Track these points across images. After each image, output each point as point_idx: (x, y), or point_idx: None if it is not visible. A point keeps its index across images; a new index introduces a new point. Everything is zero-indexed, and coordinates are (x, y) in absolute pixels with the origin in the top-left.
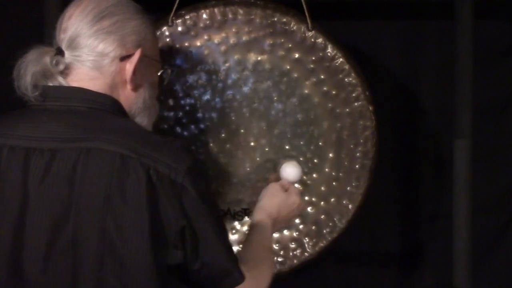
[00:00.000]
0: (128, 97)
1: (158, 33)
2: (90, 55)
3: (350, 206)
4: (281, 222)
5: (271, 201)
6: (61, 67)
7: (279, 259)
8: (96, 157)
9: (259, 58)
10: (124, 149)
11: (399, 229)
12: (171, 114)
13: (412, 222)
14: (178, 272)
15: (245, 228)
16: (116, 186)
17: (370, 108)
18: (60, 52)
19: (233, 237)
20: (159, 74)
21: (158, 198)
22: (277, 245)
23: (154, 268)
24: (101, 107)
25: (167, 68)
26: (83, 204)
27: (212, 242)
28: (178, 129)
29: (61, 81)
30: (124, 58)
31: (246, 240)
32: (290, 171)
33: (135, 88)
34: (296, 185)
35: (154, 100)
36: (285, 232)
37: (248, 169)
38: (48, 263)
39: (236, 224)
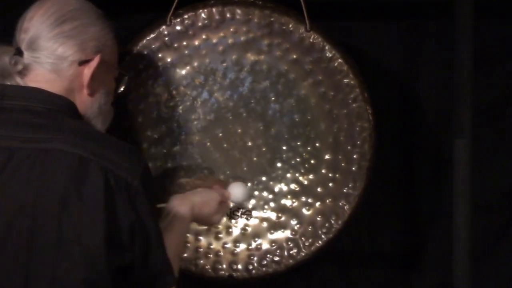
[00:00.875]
0: (84, 102)
1: (156, 32)
2: (49, 58)
3: (346, 207)
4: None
5: (203, 207)
6: (19, 67)
7: (275, 259)
8: (54, 158)
9: (256, 58)
10: (83, 151)
11: (399, 229)
12: (170, 114)
13: (412, 222)
14: (124, 272)
15: (240, 227)
16: (74, 188)
17: (368, 109)
18: (19, 53)
19: (229, 235)
20: (122, 81)
21: (115, 201)
22: (273, 244)
23: (108, 269)
24: (58, 108)
25: (125, 75)
26: (39, 205)
27: (157, 244)
28: (176, 129)
29: (18, 81)
30: (82, 62)
31: (169, 236)
32: (236, 192)
33: (92, 93)
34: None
35: (109, 106)
36: (281, 232)
37: (244, 169)
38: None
39: (232, 223)
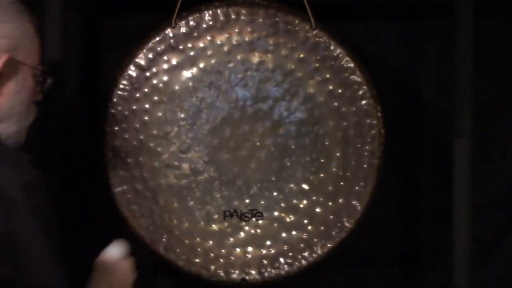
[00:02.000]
0: None
1: (161, 35)
2: None
3: (358, 206)
4: None
5: (102, 280)
6: None
7: (288, 260)
8: None
9: (262, 58)
10: None
11: (400, 229)
12: (177, 114)
13: (412, 222)
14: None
15: (250, 228)
16: None
17: (377, 106)
18: None
19: (240, 237)
20: (45, 79)
21: None
22: (285, 246)
23: None
24: None
25: (45, 74)
26: None
27: (42, 262)
28: (183, 130)
29: None
30: None
31: None
32: (113, 251)
33: None
34: None
35: (26, 105)
36: (294, 232)
37: (253, 169)
38: None
39: (243, 224)
